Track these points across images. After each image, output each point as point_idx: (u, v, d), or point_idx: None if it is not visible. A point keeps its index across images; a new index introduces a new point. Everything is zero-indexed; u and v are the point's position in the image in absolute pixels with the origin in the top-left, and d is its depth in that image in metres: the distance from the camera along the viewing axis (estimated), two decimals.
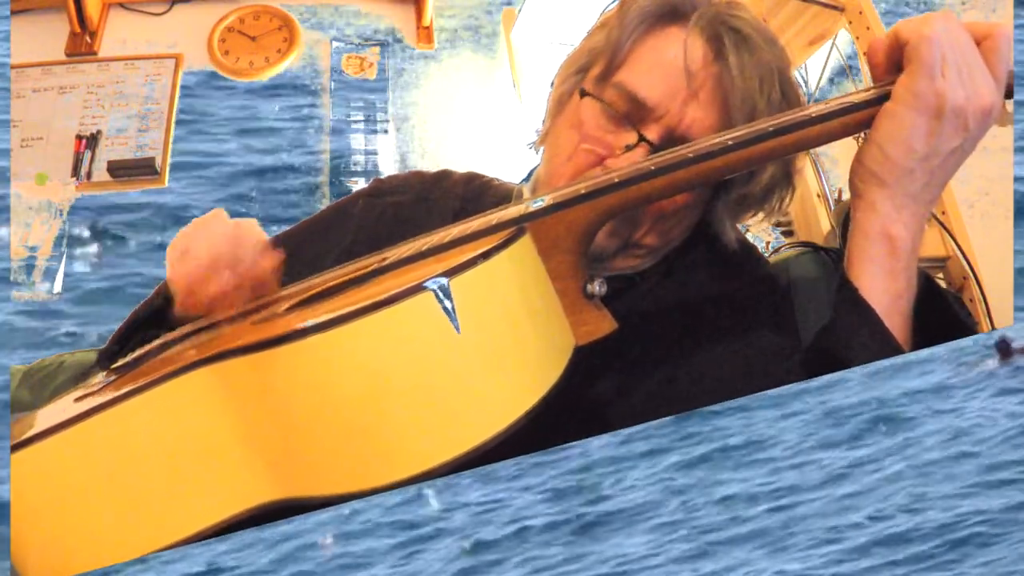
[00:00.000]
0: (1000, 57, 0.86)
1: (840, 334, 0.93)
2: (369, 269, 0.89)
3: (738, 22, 1.05)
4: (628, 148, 1.04)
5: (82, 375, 1.07)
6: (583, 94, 1.09)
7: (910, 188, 0.88)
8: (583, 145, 1.07)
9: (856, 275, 0.91)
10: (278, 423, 0.74)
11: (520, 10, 2.84)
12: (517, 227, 0.85)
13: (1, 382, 1.40)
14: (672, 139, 1.04)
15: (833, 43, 2.47)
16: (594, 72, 1.09)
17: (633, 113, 1.05)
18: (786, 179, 1.10)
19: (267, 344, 0.73)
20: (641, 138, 1.04)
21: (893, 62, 0.89)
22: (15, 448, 0.75)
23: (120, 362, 0.93)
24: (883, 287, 0.90)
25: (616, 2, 1.13)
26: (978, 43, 0.87)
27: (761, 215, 1.13)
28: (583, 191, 0.88)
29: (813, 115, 0.88)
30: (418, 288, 0.72)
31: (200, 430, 0.75)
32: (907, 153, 0.87)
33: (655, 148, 1.03)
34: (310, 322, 0.73)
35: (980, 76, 0.86)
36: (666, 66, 1.05)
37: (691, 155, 0.88)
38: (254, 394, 0.74)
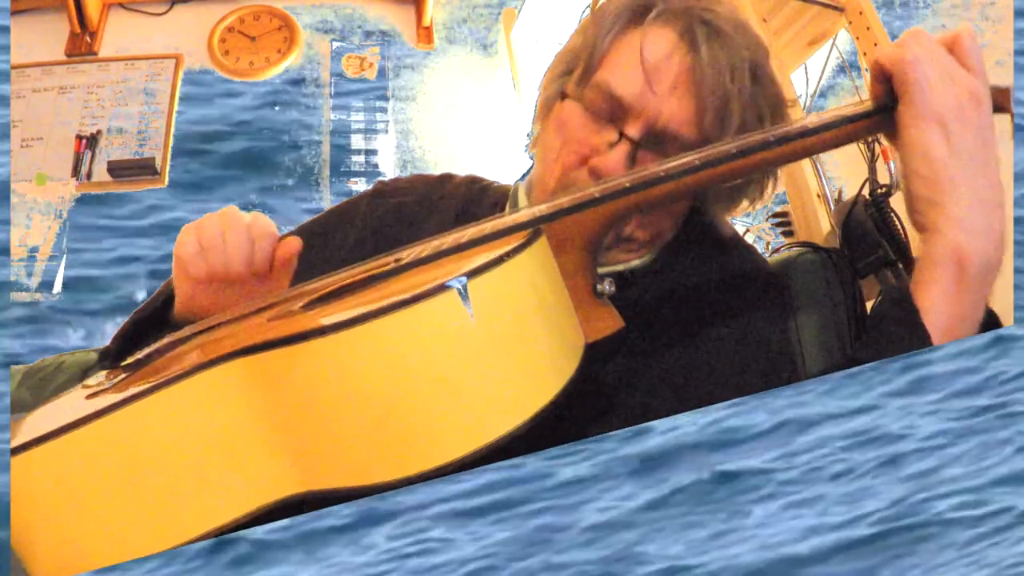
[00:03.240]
0: (968, 52, 0.90)
1: (887, 347, 0.93)
2: (387, 268, 0.91)
3: (709, 14, 1.08)
4: (611, 146, 1.06)
5: (83, 375, 1.08)
6: (563, 97, 1.11)
7: (963, 194, 0.89)
8: (567, 146, 1.09)
9: (919, 296, 0.90)
10: (303, 417, 0.75)
11: (520, 10, 2.84)
12: (534, 228, 0.87)
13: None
14: (653, 134, 1.06)
15: (833, 43, 2.47)
16: (576, 74, 1.11)
17: (613, 111, 1.07)
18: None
19: (294, 339, 0.75)
20: (622, 135, 1.06)
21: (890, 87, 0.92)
22: (23, 448, 0.75)
23: (129, 360, 0.94)
24: (943, 309, 0.90)
25: (598, 2, 1.15)
26: (950, 50, 0.91)
27: (746, 203, 1.16)
28: (596, 195, 0.91)
29: (811, 126, 0.91)
30: (442, 287, 0.74)
31: (223, 425, 0.76)
32: (938, 164, 0.88)
33: (637, 144, 1.06)
34: (337, 318, 0.74)
35: (958, 74, 0.90)
36: (643, 62, 1.07)
37: (698, 162, 0.91)
38: (279, 388, 0.75)
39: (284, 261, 1.04)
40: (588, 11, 1.16)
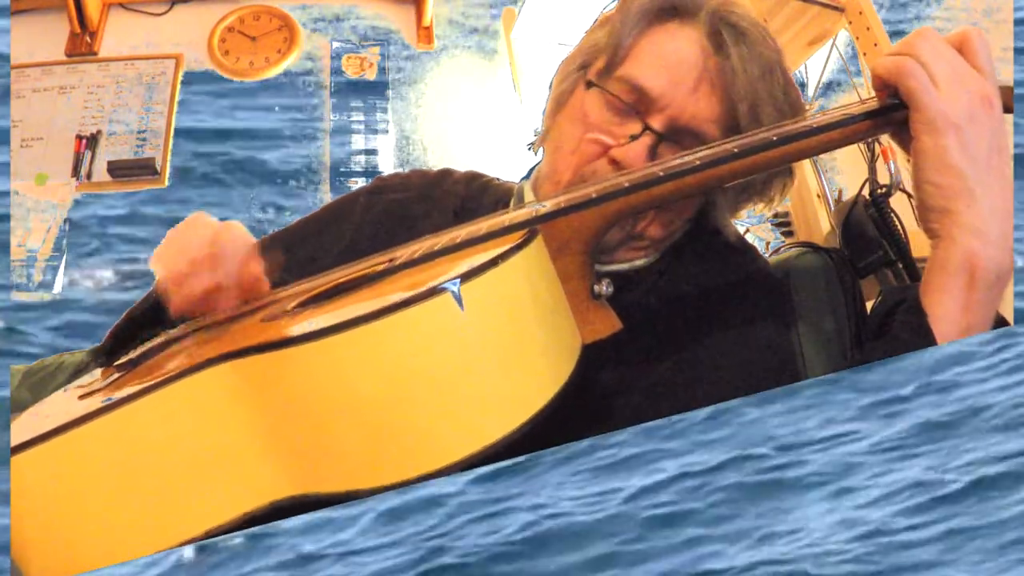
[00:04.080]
0: (978, 54, 0.89)
1: (894, 352, 0.93)
2: (380, 268, 0.90)
3: (735, 17, 1.08)
4: (633, 138, 1.06)
5: (77, 373, 1.07)
6: (589, 85, 1.10)
7: (978, 202, 0.88)
8: (588, 135, 1.09)
9: (929, 304, 0.90)
10: (296, 420, 0.75)
11: (520, 10, 2.84)
12: (530, 229, 0.86)
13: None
14: (676, 129, 1.06)
15: (833, 43, 2.47)
16: (596, 67, 1.11)
17: (638, 104, 1.07)
18: (786, 168, 1.12)
19: (286, 343, 0.74)
20: (646, 127, 1.06)
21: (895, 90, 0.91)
22: (19, 449, 0.75)
23: (122, 359, 0.94)
24: (953, 319, 0.89)
25: (616, 1, 1.15)
26: (959, 50, 0.90)
27: (762, 205, 1.15)
28: (593, 195, 0.90)
29: (815, 125, 0.90)
30: (437, 290, 0.74)
31: (216, 427, 0.76)
32: (954, 173, 0.87)
33: (660, 137, 1.06)
34: (330, 321, 0.74)
35: (969, 76, 0.89)
36: (668, 59, 1.07)
37: (698, 162, 0.90)
38: (273, 391, 0.75)
39: (253, 278, 1.01)
40: (611, 6, 1.15)
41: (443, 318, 0.74)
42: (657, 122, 1.06)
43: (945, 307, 0.89)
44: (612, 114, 1.08)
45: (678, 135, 1.06)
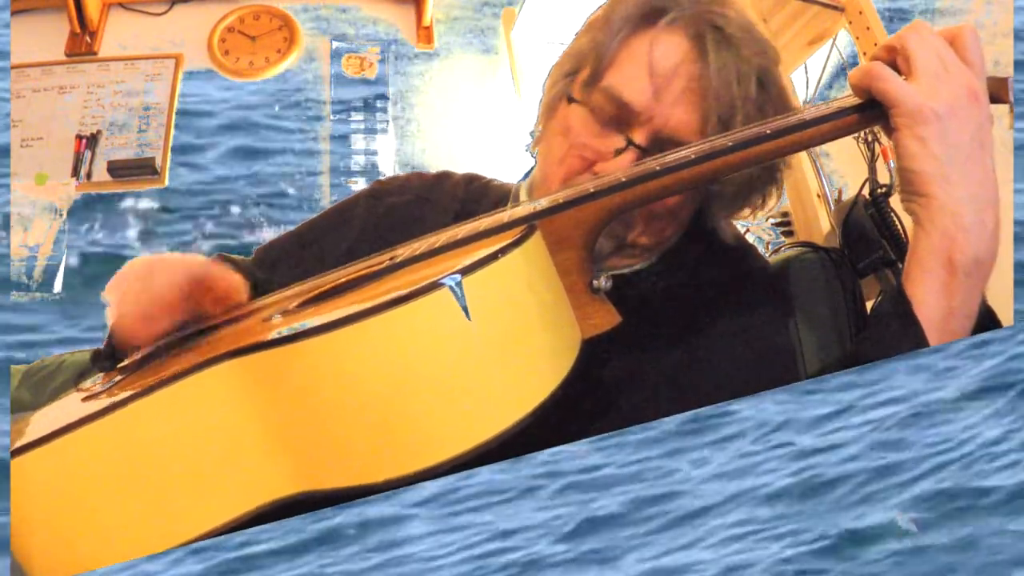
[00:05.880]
0: (968, 47, 0.90)
1: (884, 346, 0.94)
2: (381, 267, 0.91)
3: (720, 20, 1.07)
4: (617, 152, 1.06)
5: (81, 375, 1.08)
6: (570, 100, 1.10)
7: (957, 191, 0.89)
8: (572, 149, 1.09)
9: (910, 287, 0.91)
10: (298, 417, 0.75)
11: (520, 10, 2.84)
12: (529, 225, 0.87)
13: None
14: (659, 141, 1.05)
15: (833, 43, 2.47)
16: (582, 76, 1.11)
17: (620, 117, 1.07)
18: (768, 173, 1.12)
19: (288, 339, 0.75)
20: (629, 142, 1.06)
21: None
22: (21, 451, 0.75)
23: (125, 362, 0.94)
24: (935, 303, 0.90)
25: (602, 4, 1.15)
26: (951, 43, 0.91)
27: (748, 210, 1.15)
28: (591, 190, 0.90)
29: (807, 119, 0.92)
30: (436, 285, 0.74)
31: (221, 425, 0.76)
32: (932, 161, 0.89)
33: (643, 151, 1.05)
34: (331, 317, 0.74)
35: (956, 68, 0.90)
36: (652, 69, 1.06)
37: (693, 156, 0.91)
38: (274, 389, 0.75)
39: (227, 284, 0.99)
40: (598, 10, 1.15)
41: (443, 312, 0.74)
42: (639, 136, 1.06)
43: (925, 288, 0.90)
44: (596, 127, 1.08)
45: (663, 147, 1.05)
